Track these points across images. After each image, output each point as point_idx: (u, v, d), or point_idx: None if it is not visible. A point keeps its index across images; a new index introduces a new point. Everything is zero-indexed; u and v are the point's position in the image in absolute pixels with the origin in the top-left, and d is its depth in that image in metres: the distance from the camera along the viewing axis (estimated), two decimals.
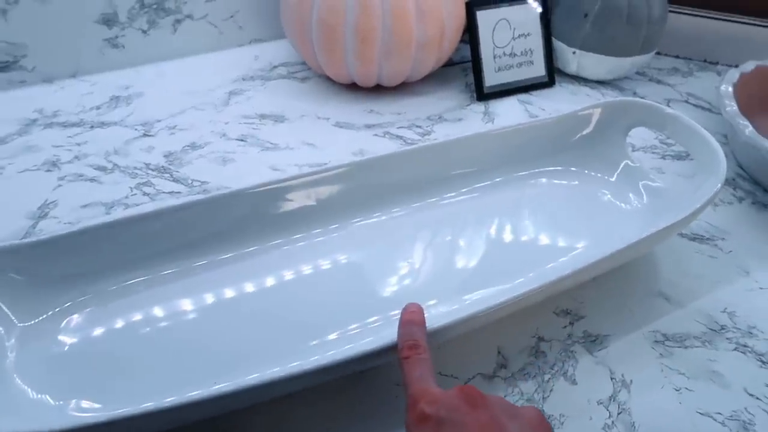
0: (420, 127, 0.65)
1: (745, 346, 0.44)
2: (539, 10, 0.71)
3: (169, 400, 0.31)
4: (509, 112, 0.69)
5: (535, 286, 0.39)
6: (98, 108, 0.66)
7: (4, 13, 0.64)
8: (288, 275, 0.46)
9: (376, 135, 0.64)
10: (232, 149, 0.60)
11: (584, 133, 0.56)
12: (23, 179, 0.55)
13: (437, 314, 0.44)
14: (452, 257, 0.49)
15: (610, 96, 0.73)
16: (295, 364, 0.39)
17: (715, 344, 0.44)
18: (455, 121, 0.67)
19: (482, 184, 0.55)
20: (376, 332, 0.42)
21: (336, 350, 0.40)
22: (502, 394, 0.40)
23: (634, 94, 0.74)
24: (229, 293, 0.44)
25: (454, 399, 0.30)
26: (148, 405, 0.31)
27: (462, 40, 0.71)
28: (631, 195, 0.54)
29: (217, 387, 0.34)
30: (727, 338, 0.45)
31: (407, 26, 0.62)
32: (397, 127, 0.65)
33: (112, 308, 0.42)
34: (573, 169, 0.56)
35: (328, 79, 0.71)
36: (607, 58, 0.71)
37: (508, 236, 0.51)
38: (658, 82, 0.77)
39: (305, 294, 0.45)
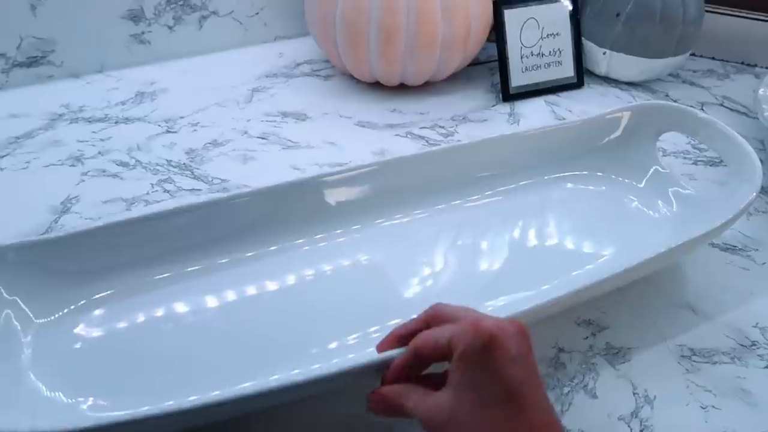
0: (443, 127, 0.64)
1: None
2: (569, 8, 0.69)
3: (191, 399, 0.31)
4: (535, 113, 0.68)
5: (558, 296, 0.38)
6: (123, 104, 0.66)
7: (33, 9, 0.65)
8: (309, 275, 0.46)
9: (398, 135, 0.63)
10: (254, 147, 0.60)
11: (613, 136, 0.54)
12: (47, 174, 0.56)
13: None
14: (474, 261, 0.48)
15: (641, 98, 0.71)
16: (315, 366, 0.39)
17: (745, 361, 0.42)
18: (479, 122, 0.66)
19: (506, 187, 0.54)
20: None
21: (356, 354, 0.40)
22: None
23: (667, 96, 0.72)
24: (249, 292, 0.44)
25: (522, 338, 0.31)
26: (153, 408, 0.31)
27: (489, 39, 0.70)
28: (660, 202, 0.52)
29: (239, 388, 0.34)
30: (758, 355, 0.43)
31: (432, 25, 0.61)
32: (420, 128, 0.64)
33: (129, 305, 0.42)
34: (600, 173, 0.55)
35: (352, 77, 0.71)
36: (639, 59, 0.69)
37: (531, 241, 0.50)
38: (692, 84, 0.75)
39: (326, 294, 0.45)
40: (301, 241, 0.48)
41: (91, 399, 0.36)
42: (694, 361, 0.42)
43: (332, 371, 0.32)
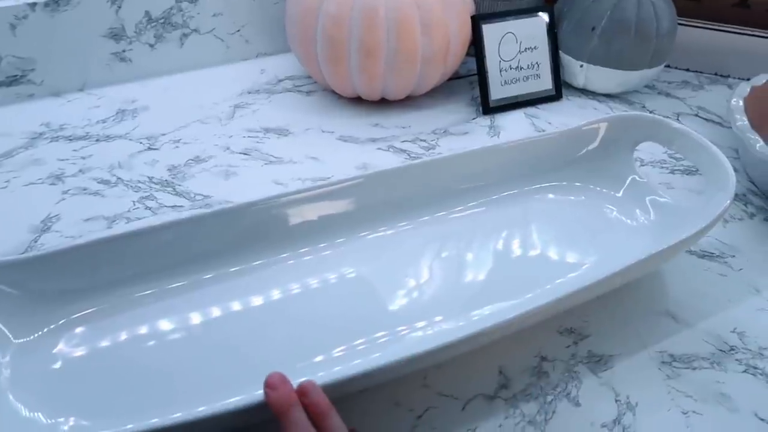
0: (425, 141, 0.65)
1: (755, 368, 0.43)
2: (546, 23, 0.71)
3: (175, 416, 0.31)
4: (515, 125, 0.68)
5: (540, 304, 0.38)
6: (104, 121, 0.66)
7: (12, 28, 0.65)
8: (294, 289, 0.46)
9: (380, 149, 0.63)
10: (236, 163, 0.60)
11: (590, 147, 0.55)
12: (27, 192, 0.55)
13: (442, 331, 0.43)
14: (459, 272, 0.48)
15: (619, 110, 0.72)
16: (303, 380, 0.39)
17: (724, 366, 0.43)
18: (461, 134, 0.66)
19: (488, 198, 0.54)
20: (383, 347, 0.42)
21: (342, 366, 0.40)
22: (503, 416, 0.39)
23: (643, 107, 0.73)
24: (234, 307, 0.44)
25: None
26: (136, 426, 0.30)
27: (468, 54, 0.71)
28: (637, 211, 0.53)
29: (222, 404, 0.33)
30: (736, 359, 0.43)
31: (412, 40, 0.62)
32: (402, 141, 0.65)
33: (111, 324, 0.42)
34: (579, 184, 0.56)
35: (333, 92, 0.71)
36: (615, 71, 0.70)
37: (514, 251, 0.50)
38: (668, 95, 0.76)
39: (312, 308, 0.45)
40: (285, 255, 0.48)
41: (72, 419, 0.36)
42: (674, 367, 0.43)
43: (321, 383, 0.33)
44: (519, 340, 0.43)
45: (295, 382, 0.38)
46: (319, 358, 0.41)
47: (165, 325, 0.42)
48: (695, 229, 0.43)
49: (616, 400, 0.40)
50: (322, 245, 0.49)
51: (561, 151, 0.55)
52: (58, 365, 0.38)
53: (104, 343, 0.41)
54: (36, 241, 0.50)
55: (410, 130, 0.67)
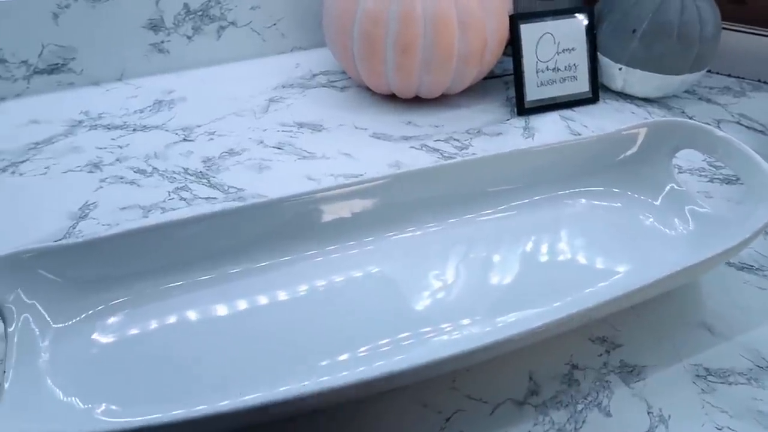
0: (458, 140, 0.65)
1: None
2: (585, 24, 0.69)
3: (200, 408, 0.31)
4: (550, 127, 0.68)
5: (571, 313, 0.37)
6: (141, 111, 0.67)
7: (55, 17, 0.66)
8: (321, 286, 0.46)
9: (413, 147, 0.63)
10: (269, 157, 0.61)
11: (628, 153, 0.54)
12: (66, 180, 0.57)
13: (469, 335, 0.43)
14: (486, 276, 0.48)
15: (657, 115, 0.71)
16: (324, 378, 0.39)
17: (762, 382, 0.42)
18: (494, 135, 0.66)
19: (520, 201, 0.54)
20: (408, 349, 0.41)
21: (366, 367, 0.40)
22: (532, 422, 0.39)
23: (683, 113, 0.72)
24: (261, 302, 0.44)
25: None
26: (163, 416, 0.31)
27: (504, 53, 0.70)
28: (676, 220, 0.51)
29: (246, 399, 0.34)
30: None
31: (449, 39, 0.61)
32: (435, 140, 0.64)
33: (146, 312, 0.42)
34: (615, 190, 0.54)
35: (368, 89, 0.71)
36: (655, 75, 0.69)
37: (545, 257, 0.50)
38: (708, 101, 0.74)
39: (337, 306, 0.44)
40: (313, 252, 0.48)
41: (104, 405, 0.36)
42: (709, 381, 0.42)
43: (340, 384, 0.32)
44: (549, 346, 0.43)
45: (320, 380, 0.38)
46: (343, 357, 0.41)
47: (193, 317, 0.43)
48: (736, 241, 0.42)
49: (649, 412, 0.40)
50: (350, 243, 0.49)
51: (598, 156, 0.54)
52: (93, 351, 0.39)
53: (137, 332, 0.41)
54: (74, 228, 0.51)
55: (443, 129, 0.66)
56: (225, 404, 0.33)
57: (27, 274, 0.38)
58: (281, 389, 0.38)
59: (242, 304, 0.44)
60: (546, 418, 0.39)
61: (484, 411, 0.39)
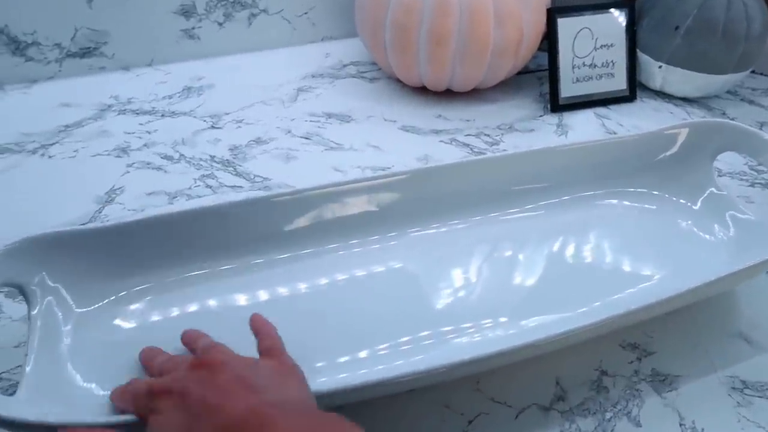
0: (489, 135, 0.63)
1: None
2: (625, 20, 0.67)
3: None
4: (584, 125, 0.66)
5: (598, 320, 0.36)
6: (170, 97, 0.67)
7: (89, 1, 0.66)
8: (342, 281, 0.45)
9: (442, 141, 0.62)
10: (296, 147, 0.60)
11: (668, 154, 0.52)
12: (94, 163, 0.57)
13: (492, 338, 0.41)
14: (511, 276, 0.46)
15: (697, 115, 0.68)
16: (343, 375, 0.38)
17: None
18: (526, 132, 0.64)
19: (551, 201, 0.52)
20: (428, 349, 0.40)
21: (385, 366, 0.39)
22: (557, 429, 0.37)
23: (724, 114, 0.69)
24: (281, 294, 0.44)
25: (186, 374, 0.30)
26: None
27: (539, 48, 0.68)
28: (716, 226, 0.49)
29: None
30: None
31: (485, 31, 0.60)
32: (465, 135, 0.63)
33: (168, 300, 0.42)
34: (652, 192, 0.53)
35: (398, 81, 0.70)
36: (697, 74, 0.66)
37: (574, 259, 0.48)
38: (751, 102, 0.72)
39: (357, 300, 0.44)
40: (336, 245, 0.47)
41: None
42: (746, 393, 0.40)
43: (359, 383, 0.32)
44: (578, 350, 0.41)
45: (339, 378, 0.38)
46: (363, 354, 0.40)
47: (214, 306, 0.42)
48: None
49: (681, 424, 0.38)
50: (373, 238, 0.48)
51: (635, 156, 0.52)
52: (114, 337, 0.39)
53: (158, 319, 0.41)
54: (100, 212, 0.51)
55: (474, 124, 0.65)
56: None
57: (52, 257, 0.38)
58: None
59: (263, 296, 0.44)
60: (573, 425, 0.38)
61: (508, 415, 0.38)
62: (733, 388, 0.40)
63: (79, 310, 0.39)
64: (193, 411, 0.27)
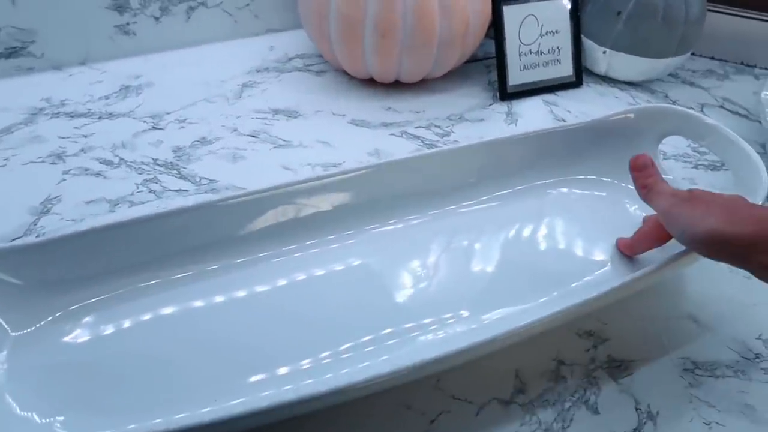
0: (439, 127, 0.63)
1: None
2: (569, 6, 0.68)
3: (180, 417, 0.30)
4: (533, 112, 0.66)
5: (558, 310, 0.36)
6: (107, 98, 0.63)
7: None
8: (301, 282, 0.44)
9: (393, 134, 0.61)
10: (243, 146, 0.58)
11: (614, 140, 0.52)
12: (27, 172, 0.53)
13: (454, 334, 0.41)
14: (470, 268, 0.46)
15: (641, 99, 0.70)
16: (308, 381, 0.37)
17: (748, 374, 0.41)
18: (476, 121, 0.64)
19: (504, 191, 0.52)
20: (392, 350, 0.40)
21: (350, 369, 0.38)
22: (518, 423, 0.38)
23: (666, 97, 0.70)
24: (239, 301, 0.42)
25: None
26: (138, 426, 0.29)
27: (486, 35, 0.68)
28: None
29: (216, 409, 0.32)
30: (762, 368, 0.42)
31: (430, 21, 0.59)
32: (416, 127, 0.62)
33: (112, 315, 0.40)
34: (602, 178, 0.53)
35: (345, 73, 0.69)
36: (640, 59, 0.67)
37: (529, 249, 0.48)
38: (692, 84, 0.73)
39: (318, 301, 0.43)
40: (293, 246, 0.46)
41: (69, 417, 0.34)
42: (697, 374, 0.41)
43: (323, 390, 0.31)
44: (536, 341, 0.41)
45: (304, 381, 0.37)
46: (326, 354, 0.39)
47: (167, 317, 0.41)
48: None
49: (637, 409, 0.39)
50: (330, 237, 0.47)
51: (584, 143, 0.52)
52: (56, 359, 0.37)
53: (106, 336, 0.39)
54: (35, 224, 0.48)
55: (424, 115, 0.64)
56: (206, 411, 0.32)
57: None
58: (263, 394, 0.36)
59: (220, 304, 0.42)
60: (533, 417, 0.38)
61: (469, 412, 0.38)
62: (685, 369, 0.42)
63: (16, 334, 0.36)
64: None
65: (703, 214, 0.35)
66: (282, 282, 0.44)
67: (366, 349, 0.40)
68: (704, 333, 0.44)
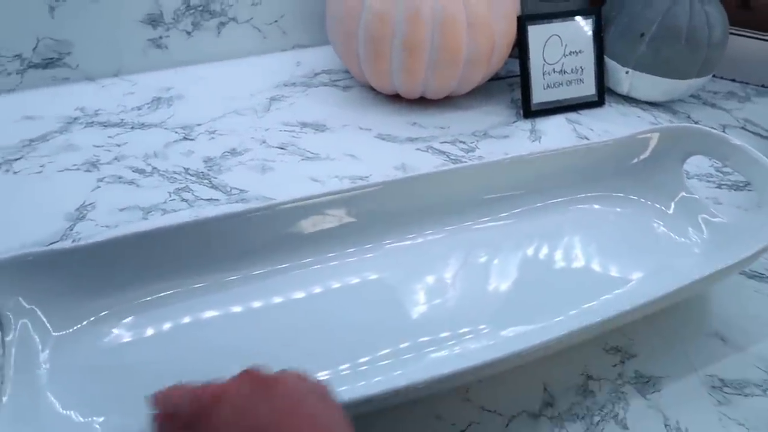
0: (464, 142, 0.63)
1: None
2: (593, 27, 0.69)
3: None
4: (557, 130, 0.67)
5: (576, 329, 0.36)
6: (139, 109, 0.65)
7: (51, 10, 0.64)
8: (318, 295, 0.44)
9: (418, 149, 0.62)
10: (272, 157, 0.59)
11: (640, 158, 0.53)
12: (63, 179, 0.55)
13: (472, 349, 0.41)
14: (488, 284, 0.46)
15: (663, 119, 0.70)
16: (343, 388, 0.37)
17: None
18: (501, 138, 0.65)
19: (526, 207, 0.52)
20: (407, 365, 0.40)
21: (366, 382, 0.38)
22: None
23: (688, 117, 0.71)
24: (259, 311, 0.43)
25: (245, 388, 0.27)
26: None
27: (510, 55, 0.69)
28: (690, 229, 0.51)
29: None
30: None
31: (457, 40, 0.60)
32: (441, 142, 0.63)
33: (148, 319, 0.41)
34: (628, 196, 0.54)
35: (371, 88, 0.70)
36: (662, 79, 0.68)
37: (551, 266, 0.48)
38: (713, 106, 0.74)
39: (335, 314, 0.43)
40: (311, 259, 0.46)
41: (107, 417, 0.35)
42: (725, 392, 0.41)
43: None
44: (564, 356, 0.42)
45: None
46: (345, 366, 0.39)
47: (191, 324, 0.41)
48: (751, 251, 0.41)
49: (666, 425, 0.39)
50: (349, 250, 0.47)
51: (609, 161, 0.53)
52: (94, 360, 0.38)
53: (139, 339, 0.40)
54: (71, 230, 0.49)
55: (449, 131, 0.65)
56: None
57: (28, 279, 0.36)
58: None
59: (238, 315, 0.42)
60: (562, 430, 0.38)
61: (498, 423, 0.38)
62: (713, 387, 0.42)
63: (57, 334, 0.37)
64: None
65: None
66: (299, 294, 0.44)
67: (383, 363, 0.40)
68: (731, 351, 0.44)
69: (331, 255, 0.47)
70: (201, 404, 0.27)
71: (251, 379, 0.28)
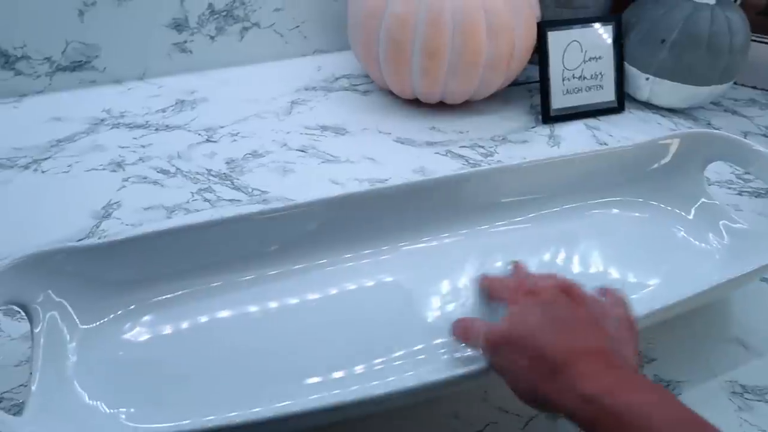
0: (483, 147, 0.64)
1: None
2: (613, 33, 0.69)
3: (232, 415, 0.31)
4: (576, 136, 0.67)
5: None
6: (164, 111, 0.66)
7: (80, 14, 0.66)
8: (334, 296, 0.45)
9: (437, 153, 0.62)
10: (293, 160, 0.60)
11: (661, 163, 0.53)
12: (89, 178, 0.56)
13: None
14: None
15: (683, 126, 0.70)
16: (336, 392, 0.38)
17: None
18: (520, 143, 0.65)
19: (544, 212, 0.52)
20: (419, 365, 0.40)
21: (379, 381, 0.39)
22: None
23: (709, 124, 0.71)
24: (274, 310, 0.43)
25: (556, 291, 0.35)
26: (194, 422, 0.30)
27: (529, 61, 0.69)
28: (710, 234, 0.50)
29: (273, 408, 0.33)
30: None
31: (477, 44, 0.61)
32: (460, 147, 0.64)
33: (173, 315, 0.42)
34: (650, 202, 0.54)
35: (390, 93, 0.70)
36: (683, 86, 0.68)
37: (568, 270, 0.48)
38: (734, 113, 0.74)
39: (350, 315, 0.44)
40: (325, 261, 0.47)
41: (131, 409, 0.36)
42: (746, 398, 0.41)
43: (353, 399, 0.32)
44: None
45: (333, 393, 0.38)
46: (359, 367, 0.40)
47: (208, 322, 0.42)
48: None
49: None
50: (365, 252, 0.47)
51: (629, 165, 0.53)
52: (120, 353, 0.38)
53: (163, 335, 0.41)
54: (97, 227, 0.50)
55: (468, 136, 0.65)
56: (256, 411, 0.32)
57: (58, 273, 0.37)
58: (313, 397, 0.37)
59: (272, 311, 0.43)
60: None
61: (516, 424, 0.39)
62: (734, 392, 0.41)
63: (84, 327, 0.38)
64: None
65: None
66: (314, 294, 0.45)
67: (396, 363, 0.40)
68: (752, 357, 0.44)
69: (347, 256, 0.47)
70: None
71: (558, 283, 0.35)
